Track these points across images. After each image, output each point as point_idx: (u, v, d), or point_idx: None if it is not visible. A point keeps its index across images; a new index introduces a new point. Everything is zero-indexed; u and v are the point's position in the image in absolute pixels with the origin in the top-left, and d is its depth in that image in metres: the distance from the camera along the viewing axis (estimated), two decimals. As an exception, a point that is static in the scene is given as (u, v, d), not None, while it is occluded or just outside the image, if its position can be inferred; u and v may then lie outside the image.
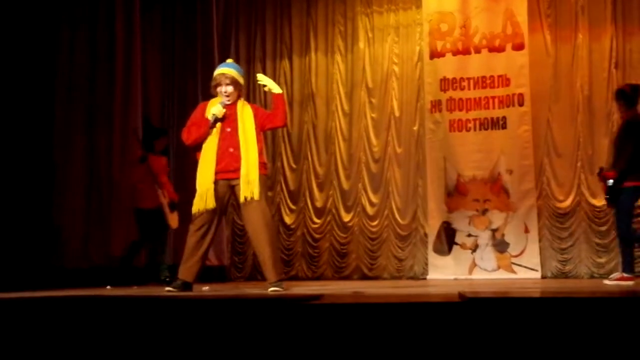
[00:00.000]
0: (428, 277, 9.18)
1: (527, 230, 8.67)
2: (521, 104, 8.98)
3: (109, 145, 8.43)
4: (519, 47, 9.04)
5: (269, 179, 9.38)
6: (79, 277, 7.79)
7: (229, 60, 5.92)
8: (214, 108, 5.56)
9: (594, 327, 2.79)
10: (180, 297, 4.16)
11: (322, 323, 2.99)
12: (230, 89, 5.54)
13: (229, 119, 5.56)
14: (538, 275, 8.56)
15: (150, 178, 7.92)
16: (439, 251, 9.23)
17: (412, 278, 9.33)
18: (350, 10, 10.18)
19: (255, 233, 5.57)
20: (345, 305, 3.24)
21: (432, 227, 9.29)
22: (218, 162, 5.51)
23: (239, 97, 5.66)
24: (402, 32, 9.92)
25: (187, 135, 5.65)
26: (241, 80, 5.66)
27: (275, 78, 10.24)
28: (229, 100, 5.58)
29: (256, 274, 9.42)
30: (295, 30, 10.39)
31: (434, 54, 9.43)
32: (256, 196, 5.45)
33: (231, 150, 5.50)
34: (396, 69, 9.91)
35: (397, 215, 9.70)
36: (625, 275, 6.67)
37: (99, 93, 8.49)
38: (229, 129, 5.52)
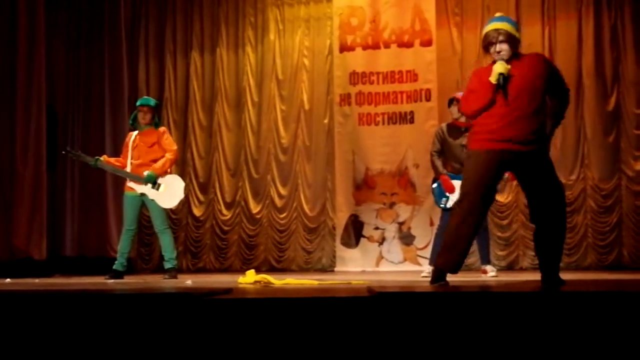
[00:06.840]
0: (336, 269, 9.28)
1: (432, 224, 8.82)
2: (428, 99, 9.16)
3: (11, 136, 8.18)
4: (427, 43, 9.21)
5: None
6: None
7: (499, 14, 4.93)
8: (499, 65, 4.59)
9: (498, 320, 2.87)
10: (84, 292, 4.06)
11: (230, 318, 2.97)
12: (504, 46, 4.62)
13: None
14: (443, 267, 8.73)
15: None
16: (346, 244, 9.33)
17: (320, 270, 9.41)
18: (260, 2, 10.16)
19: None
20: (255, 300, 3.24)
21: (340, 220, 9.39)
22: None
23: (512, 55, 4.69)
24: (313, 25, 9.97)
25: (466, 105, 4.78)
26: (517, 35, 4.70)
27: (186, 69, 10.15)
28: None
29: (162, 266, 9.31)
30: (206, 20, 10.29)
31: (344, 48, 9.50)
32: None
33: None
34: (306, 61, 9.95)
35: (305, 208, 9.76)
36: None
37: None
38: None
